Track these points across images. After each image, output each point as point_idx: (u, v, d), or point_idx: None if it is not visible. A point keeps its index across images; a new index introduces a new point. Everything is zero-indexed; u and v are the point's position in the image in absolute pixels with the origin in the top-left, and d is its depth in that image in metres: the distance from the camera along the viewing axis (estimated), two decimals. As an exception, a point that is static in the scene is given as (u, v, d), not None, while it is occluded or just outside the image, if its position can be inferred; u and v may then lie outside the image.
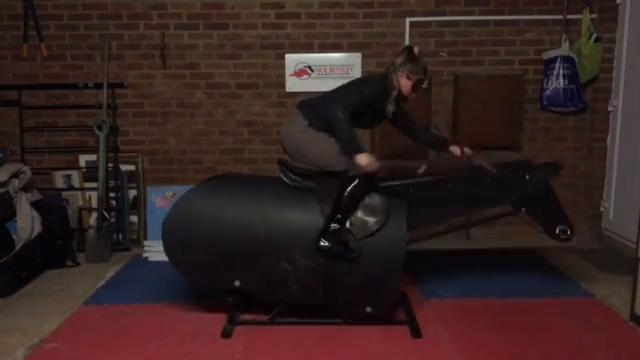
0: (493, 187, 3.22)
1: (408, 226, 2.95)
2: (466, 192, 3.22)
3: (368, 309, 2.93)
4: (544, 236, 4.60)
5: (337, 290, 2.90)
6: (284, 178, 3.05)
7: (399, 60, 3.02)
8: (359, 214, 2.89)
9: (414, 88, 3.03)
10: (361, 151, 2.87)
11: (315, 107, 3.01)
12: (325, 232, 2.83)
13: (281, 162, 3.10)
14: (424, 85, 3.12)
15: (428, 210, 3.18)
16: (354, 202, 2.88)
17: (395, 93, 3.02)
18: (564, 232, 3.27)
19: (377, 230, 2.87)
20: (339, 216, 2.84)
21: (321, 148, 2.95)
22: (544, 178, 3.28)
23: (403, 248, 2.86)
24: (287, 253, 2.87)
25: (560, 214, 3.31)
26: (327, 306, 2.98)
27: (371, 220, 2.88)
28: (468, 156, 3.23)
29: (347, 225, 2.86)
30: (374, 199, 2.92)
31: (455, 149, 3.24)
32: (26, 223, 3.81)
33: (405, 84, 3.01)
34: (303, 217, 2.90)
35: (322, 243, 2.82)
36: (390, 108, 3.06)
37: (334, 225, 2.83)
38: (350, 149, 2.89)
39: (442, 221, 3.41)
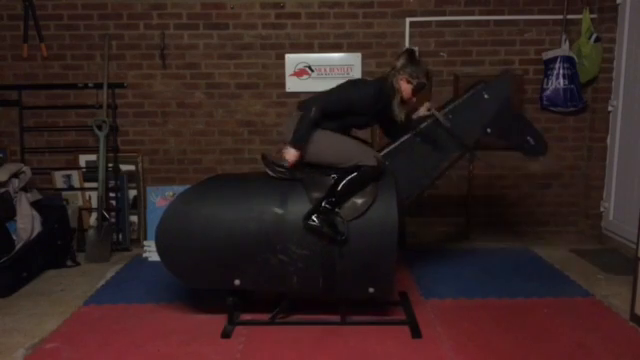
0: (459, 121, 3.18)
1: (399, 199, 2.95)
2: (435, 139, 3.19)
3: (371, 290, 2.92)
4: (544, 236, 4.66)
5: (337, 276, 2.90)
6: (269, 172, 3.05)
7: (399, 63, 2.98)
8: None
9: (415, 92, 3.00)
10: (299, 143, 2.89)
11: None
12: (316, 210, 2.83)
13: (264, 157, 3.10)
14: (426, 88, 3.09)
15: (410, 175, 3.17)
16: (352, 190, 2.88)
17: (398, 97, 2.99)
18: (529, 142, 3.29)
19: (366, 210, 2.87)
20: (333, 199, 2.84)
21: (330, 146, 2.94)
22: (502, 91, 3.24)
23: (396, 225, 2.86)
24: (281, 245, 2.88)
25: (527, 127, 3.30)
26: (329, 295, 2.97)
27: (359, 201, 2.89)
28: (430, 109, 3.19)
29: (336, 209, 2.87)
30: None
31: (420, 111, 3.22)
32: (26, 223, 3.81)
33: (405, 88, 2.98)
34: (293, 207, 2.90)
35: (311, 221, 2.82)
36: (397, 111, 3.02)
37: (325, 205, 2.83)
38: (296, 138, 2.90)
39: (427, 180, 3.32)
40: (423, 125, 3.21)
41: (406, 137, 3.22)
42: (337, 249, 2.86)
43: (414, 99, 3.05)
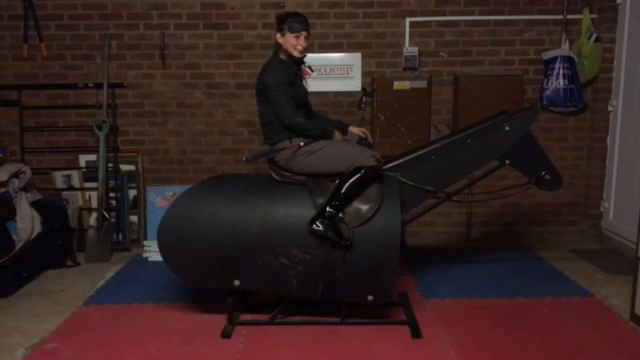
0: (476, 147, 3.22)
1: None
2: (451, 159, 3.20)
3: (370, 297, 2.92)
4: (544, 236, 4.67)
5: (337, 282, 2.90)
6: (274, 175, 3.07)
7: (275, 32, 3.15)
8: (353, 202, 2.90)
9: (295, 39, 3.06)
10: (333, 133, 3.07)
11: (269, 130, 3.08)
12: (320, 215, 2.83)
13: (270, 160, 3.11)
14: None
15: (414, 192, 3.17)
16: (355, 192, 2.88)
17: (286, 57, 3.09)
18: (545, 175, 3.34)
19: (371, 217, 2.87)
20: (337, 203, 2.84)
21: (326, 157, 2.97)
22: (524, 125, 3.27)
23: (398, 234, 2.85)
24: (283, 248, 2.87)
25: (545, 161, 3.34)
26: (328, 299, 2.97)
27: (364, 207, 2.88)
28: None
29: (340, 214, 2.86)
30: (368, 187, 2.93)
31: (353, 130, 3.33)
32: (26, 223, 3.80)
33: (288, 42, 3.07)
34: (296, 211, 2.90)
35: (316, 226, 2.81)
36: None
37: (330, 210, 2.83)
38: (326, 137, 3.04)
39: (436, 194, 3.32)
40: (435, 146, 3.23)
41: (417, 153, 3.22)
42: (339, 255, 2.85)
43: (300, 46, 3.09)
